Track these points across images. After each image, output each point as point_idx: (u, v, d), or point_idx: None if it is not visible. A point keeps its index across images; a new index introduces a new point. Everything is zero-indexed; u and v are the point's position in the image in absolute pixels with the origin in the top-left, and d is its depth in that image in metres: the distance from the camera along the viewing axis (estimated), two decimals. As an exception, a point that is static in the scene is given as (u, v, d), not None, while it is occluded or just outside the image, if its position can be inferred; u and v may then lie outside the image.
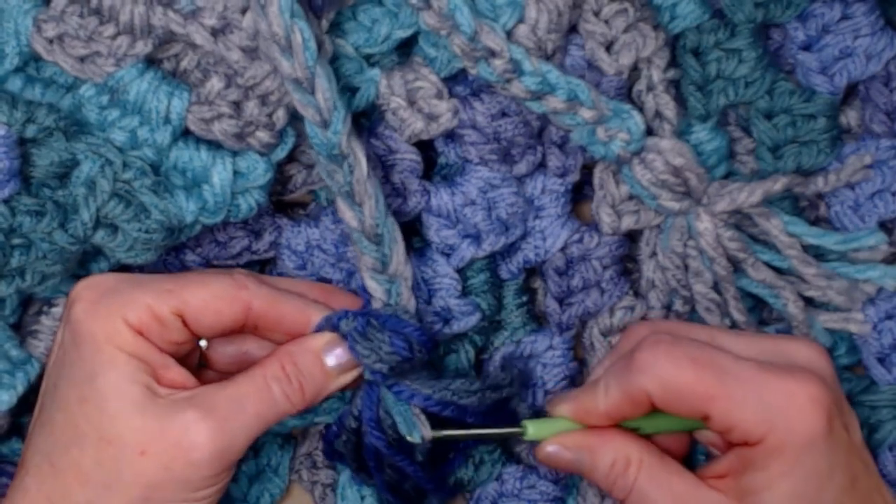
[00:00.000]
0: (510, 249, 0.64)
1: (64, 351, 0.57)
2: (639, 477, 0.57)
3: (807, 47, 0.63)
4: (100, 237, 0.57)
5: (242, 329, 0.59)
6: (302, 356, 0.58)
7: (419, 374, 0.59)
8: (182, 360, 0.59)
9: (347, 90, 0.61)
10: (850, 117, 0.64)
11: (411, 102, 0.62)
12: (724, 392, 0.55)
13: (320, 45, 0.58)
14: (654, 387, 0.56)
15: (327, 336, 0.58)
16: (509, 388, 0.61)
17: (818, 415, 0.54)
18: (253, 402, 0.56)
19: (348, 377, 0.59)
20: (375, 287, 0.59)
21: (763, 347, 0.58)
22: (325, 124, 0.56)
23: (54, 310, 0.61)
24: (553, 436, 0.59)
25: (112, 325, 0.56)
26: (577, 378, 0.66)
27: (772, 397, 0.55)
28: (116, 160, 0.57)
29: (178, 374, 0.57)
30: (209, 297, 0.57)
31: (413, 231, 0.64)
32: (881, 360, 0.65)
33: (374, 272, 0.59)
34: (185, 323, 0.57)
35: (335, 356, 0.58)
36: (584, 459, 0.58)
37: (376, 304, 0.59)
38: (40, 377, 0.61)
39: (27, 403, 0.63)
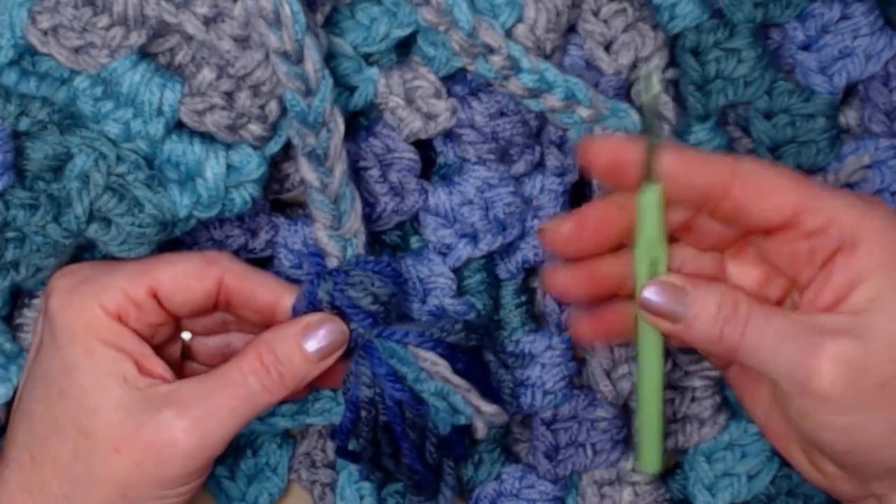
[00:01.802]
0: (509, 249, 0.64)
1: (43, 343, 0.58)
2: (751, 315, 0.53)
3: (806, 47, 0.63)
4: (93, 231, 0.58)
5: (216, 307, 0.59)
6: (280, 344, 0.57)
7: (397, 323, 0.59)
8: (164, 350, 0.59)
9: (345, 89, 0.61)
10: (850, 117, 0.64)
11: (410, 101, 0.62)
12: (818, 187, 0.53)
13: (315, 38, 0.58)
14: (750, 171, 0.53)
15: (305, 320, 0.58)
16: (484, 335, 0.61)
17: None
18: (229, 397, 0.56)
19: (328, 361, 0.58)
20: (332, 245, 0.59)
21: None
22: (310, 93, 0.57)
23: (35, 301, 0.61)
24: (649, 280, 0.54)
25: (88, 314, 0.56)
26: (576, 378, 0.66)
27: (861, 203, 0.52)
28: (110, 154, 0.57)
29: (156, 364, 0.57)
30: (180, 274, 0.57)
31: (412, 230, 0.64)
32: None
33: (332, 230, 0.59)
34: (160, 303, 0.57)
35: (315, 340, 0.57)
36: (687, 304, 0.54)
37: (332, 263, 0.59)
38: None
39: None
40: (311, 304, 0.58)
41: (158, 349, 0.59)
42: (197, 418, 0.55)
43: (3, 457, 0.58)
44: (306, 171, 0.58)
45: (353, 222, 0.59)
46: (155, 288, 0.57)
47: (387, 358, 0.58)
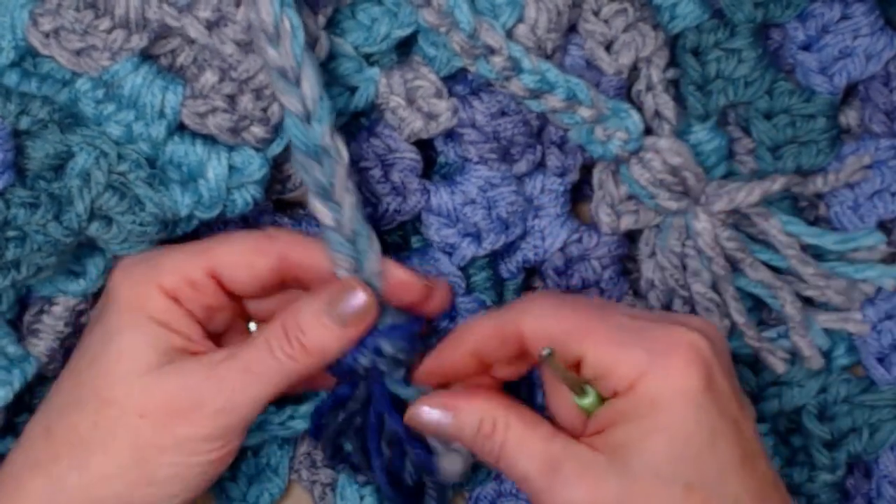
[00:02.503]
0: (509, 249, 0.64)
1: (94, 318, 0.58)
2: (506, 440, 0.54)
3: (806, 47, 0.63)
4: (94, 229, 0.58)
5: (283, 285, 0.58)
6: (303, 312, 0.56)
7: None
8: (228, 340, 0.59)
9: (346, 89, 0.61)
10: (850, 117, 0.64)
11: (411, 101, 0.62)
12: (600, 329, 0.53)
13: (316, 41, 0.58)
14: (529, 323, 0.54)
15: (330, 290, 0.56)
16: None
17: (697, 368, 0.51)
18: (254, 363, 0.55)
19: (353, 331, 0.56)
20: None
21: (653, 317, 0.55)
22: (308, 117, 0.56)
23: (55, 308, 0.61)
24: (418, 398, 0.57)
25: (144, 289, 0.56)
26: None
27: (649, 343, 0.52)
28: (111, 152, 0.57)
29: (204, 346, 0.57)
30: (240, 251, 0.57)
31: (413, 230, 0.64)
32: (881, 360, 0.65)
33: (348, 273, 0.58)
34: (220, 284, 0.57)
35: (339, 309, 0.56)
36: (449, 421, 0.56)
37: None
38: (37, 376, 0.62)
39: (24, 403, 0.64)
40: (346, 372, 0.58)
41: (222, 339, 0.59)
42: (223, 380, 0.55)
43: (18, 440, 0.58)
44: (318, 208, 0.57)
45: (373, 263, 0.58)
46: (214, 268, 0.57)
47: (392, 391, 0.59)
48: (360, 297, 0.56)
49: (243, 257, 0.57)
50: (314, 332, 0.55)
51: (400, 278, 0.58)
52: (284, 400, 0.63)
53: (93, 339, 0.57)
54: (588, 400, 0.54)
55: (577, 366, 0.54)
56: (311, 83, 0.56)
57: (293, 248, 0.57)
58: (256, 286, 0.58)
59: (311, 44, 0.58)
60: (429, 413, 0.56)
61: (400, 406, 0.59)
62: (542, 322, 0.54)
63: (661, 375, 0.51)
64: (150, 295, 0.56)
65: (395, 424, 0.58)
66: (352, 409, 0.59)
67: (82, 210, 0.57)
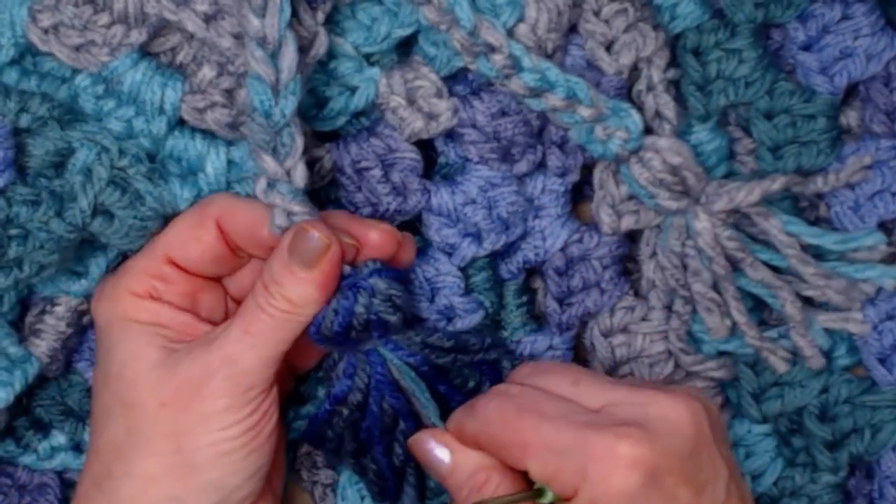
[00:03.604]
0: (510, 249, 0.64)
1: (96, 349, 0.59)
2: (497, 492, 0.56)
3: (807, 47, 0.63)
4: (97, 225, 0.58)
5: (237, 254, 0.59)
6: (273, 264, 0.56)
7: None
8: (218, 317, 0.59)
9: (346, 89, 0.61)
10: (851, 118, 0.64)
11: (411, 101, 0.62)
12: (540, 442, 0.54)
13: (315, 37, 0.58)
14: (481, 432, 0.56)
15: (287, 236, 0.56)
16: (481, 354, 0.60)
17: (635, 472, 0.52)
18: (251, 324, 0.55)
19: (327, 269, 0.56)
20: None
21: (618, 396, 0.56)
22: (277, 92, 0.56)
23: (57, 308, 0.62)
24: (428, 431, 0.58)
25: (121, 303, 0.57)
26: (576, 378, 0.66)
27: (588, 452, 0.53)
28: (112, 147, 0.58)
29: (199, 329, 0.57)
30: (183, 228, 0.58)
31: (413, 230, 0.64)
32: (882, 361, 0.65)
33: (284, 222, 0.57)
34: (181, 269, 0.58)
35: (301, 252, 0.55)
36: (447, 460, 0.57)
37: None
38: (39, 376, 0.62)
39: (25, 406, 0.64)
40: (345, 322, 0.57)
41: (209, 315, 0.59)
42: (225, 348, 0.55)
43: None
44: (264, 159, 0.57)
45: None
46: (168, 253, 0.58)
47: (389, 367, 0.58)
48: (312, 237, 0.55)
49: (187, 233, 0.58)
50: (289, 282, 0.55)
51: (374, 228, 0.58)
52: (284, 400, 0.63)
53: (100, 362, 0.58)
54: (547, 499, 0.55)
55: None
56: (288, 60, 0.56)
57: (227, 208, 0.57)
58: (210, 259, 0.58)
59: (310, 39, 0.58)
60: (431, 449, 0.58)
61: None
62: (488, 430, 0.56)
63: (598, 482, 0.53)
64: (127, 303, 0.57)
65: (395, 401, 0.58)
66: (353, 400, 0.59)
67: (86, 205, 0.57)
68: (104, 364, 0.58)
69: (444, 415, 0.59)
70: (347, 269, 0.57)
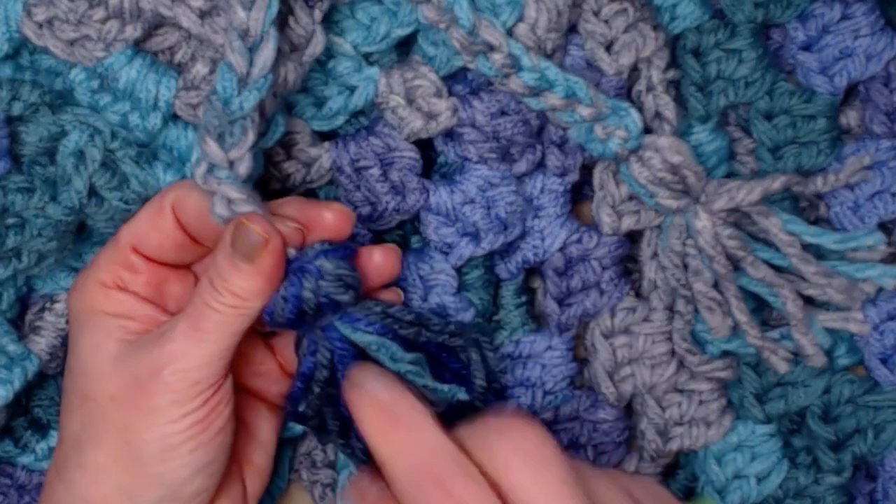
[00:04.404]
0: (509, 249, 0.64)
1: (68, 341, 0.59)
2: None
3: (807, 47, 0.63)
4: (91, 206, 0.58)
5: (198, 241, 0.58)
6: (217, 259, 0.55)
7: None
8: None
9: (346, 89, 0.61)
10: (850, 118, 0.64)
11: (410, 101, 0.62)
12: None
13: (311, 36, 0.58)
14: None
15: (230, 228, 0.55)
16: (448, 337, 0.58)
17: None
18: (199, 320, 0.55)
19: (270, 261, 0.55)
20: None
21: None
22: (245, 85, 0.56)
23: (57, 305, 0.62)
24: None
25: (90, 293, 0.57)
26: (576, 378, 0.66)
27: None
28: (105, 129, 0.58)
29: (163, 322, 0.57)
30: (144, 217, 0.58)
31: (413, 230, 0.64)
32: (884, 361, 0.64)
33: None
34: (147, 258, 0.58)
35: (241, 246, 0.55)
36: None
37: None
38: (38, 374, 0.62)
39: (25, 407, 0.64)
40: (296, 308, 0.56)
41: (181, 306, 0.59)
42: (174, 342, 0.55)
43: None
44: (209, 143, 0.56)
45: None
46: (132, 242, 0.58)
47: (348, 335, 0.57)
48: (250, 232, 0.55)
49: (147, 221, 0.58)
50: (234, 276, 0.55)
51: (327, 208, 0.58)
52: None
53: (68, 356, 0.59)
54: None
55: None
56: (264, 57, 0.56)
57: (181, 196, 0.57)
58: (171, 246, 0.58)
59: (307, 38, 0.59)
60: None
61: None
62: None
63: None
64: (95, 293, 0.57)
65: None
66: (320, 377, 0.57)
67: (81, 186, 0.57)
68: (70, 356, 0.58)
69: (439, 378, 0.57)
70: (293, 252, 0.56)
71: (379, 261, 0.59)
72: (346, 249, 0.57)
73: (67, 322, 0.60)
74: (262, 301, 0.56)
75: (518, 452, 0.50)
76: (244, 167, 0.56)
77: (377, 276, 0.59)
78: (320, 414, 0.58)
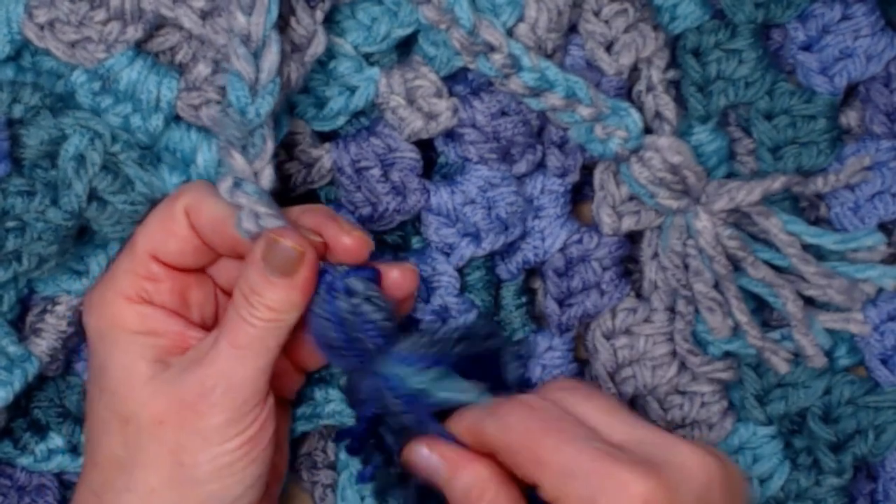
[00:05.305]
0: (509, 250, 0.64)
1: (88, 359, 0.59)
2: None
3: (807, 48, 0.63)
4: (92, 211, 0.58)
5: (217, 248, 0.58)
6: (250, 273, 0.55)
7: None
8: (208, 313, 0.59)
9: (346, 89, 0.61)
10: (851, 118, 0.64)
11: (411, 101, 0.62)
12: (556, 462, 0.53)
13: (313, 36, 0.58)
14: (499, 438, 0.55)
15: (260, 242, 0.55)
16: (489, 341, 0.59)
17: None
18: (237, 337, 0.55)
19: (305, 274, 0.55)
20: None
21: (642, 436, 0.55)
22: (255, 92, 0.56)
23: (58, 308, 0.62)
24: (428, 439, 0.57)
25: (110, 309, 0.57)
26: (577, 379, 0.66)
27: (602, 482, 0.52)
28: (105, 132, 0.58)
29: (192, 337, 0.57)
30: (159, 222, 0.57)
31: (414, 230, 0.64)
32: (884, 362, 0.64)
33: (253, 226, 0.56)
34: (166, 265, 0.57)
35: (275, 260, 0.55)
36: (443, 474, 0.56)
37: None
38: (39, 376, 0.62)
39: (25, 409, 0.64)
40: (341, 330, 0.56)
41: (203, 319, 0.59)
42: (216, 363, 0.55)
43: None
44: (233, 156, 0.56)
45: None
46: (149, 249, 0.57)
47: (401, 381, 0.57)
48: (285, 247, 0.55)
49: (161, 228, 0.57)
50: (268, 291, 0.55)
51: (347, 233, 0.57)
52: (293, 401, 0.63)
53: (93, 373, 0.58)
54: None
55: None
56: (270, 60, 0.56)
57: (195, 201, 0.57)
58: (190, 250, 0.57)
59: (308, 38, 0.59)
60: (427, 457, 0.57)
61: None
62: (506, 438, 0.55)
63: None
64: (118, 308, 0.57)
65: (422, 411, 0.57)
66: (391, 422, 0.58)
67: (81, 191, 0.57)
68: (98, 377, 0.57)
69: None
70: (320, 264, 0.56)
71: (396, 278, 0.58)
72: (371, 270, 0.57)
73: (87, 339, 0.59)
74: (298, 312, 0.56)
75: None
76: (267, 178, 0.57)
77: (394, 292, 0.58)
78: (380, 448, 0.59)
